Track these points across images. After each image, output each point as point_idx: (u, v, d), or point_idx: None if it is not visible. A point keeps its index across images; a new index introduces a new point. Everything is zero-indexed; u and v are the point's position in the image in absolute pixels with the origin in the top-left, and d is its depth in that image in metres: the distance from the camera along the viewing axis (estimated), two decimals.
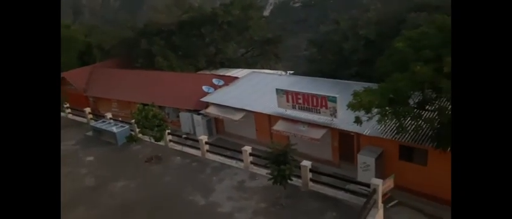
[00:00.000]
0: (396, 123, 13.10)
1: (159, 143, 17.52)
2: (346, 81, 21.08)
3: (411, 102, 12.99)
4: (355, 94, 12.66)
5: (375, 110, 12.57)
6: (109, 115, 21.86)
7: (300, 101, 17.59)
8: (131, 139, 17.77)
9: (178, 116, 23.75)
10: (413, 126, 13.39)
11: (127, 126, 19.56)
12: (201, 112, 21.96)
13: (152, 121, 16.14)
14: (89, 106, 24.60)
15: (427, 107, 13.10)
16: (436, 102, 13.01)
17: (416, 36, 13.23)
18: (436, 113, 12.55)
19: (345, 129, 16.24)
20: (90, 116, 22.44)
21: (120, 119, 21.78)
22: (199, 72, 30.99)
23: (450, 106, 12.11)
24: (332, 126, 16.72)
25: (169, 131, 18.31)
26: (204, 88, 23.16)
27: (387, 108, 12.53)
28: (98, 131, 19.89)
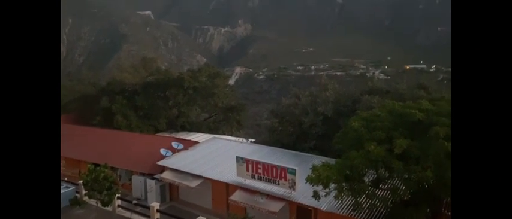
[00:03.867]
0: (352, 200, 13.32)
1: (106, 208, 16.16)
2: (305, 154, 21.56)
3: (366, 179, 13.44)
4: (314, 168, 12.90)
5: (332, 185, 12.79)
6: None
7: (260, 171, 17.50)
8: (75, 202, 16.29)
9: (130, 180, 22.40)
10: (368, 204, 13.67)
11: (72, 187, 18.03)
12: (155, 176, 20.96)
13: (102, 183, 15.09)
14: None
15: (380, 186, 13.58)
16: (389, 181, 13.57)
17: (370, 117, 14.23)
18: (389, 192, 13.02)
19: (303, 203, 16.15)
20: None
21: (65, 179, 20.09)
22: (159, 134, 30.29)
23: (402, 186, 12.67)
24: (290, 199, 16.58)
25: (119, 195, 17.09)
26: (162, 151, 22.45)
27: (344, 184, 12.82)
28: None
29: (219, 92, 33.69)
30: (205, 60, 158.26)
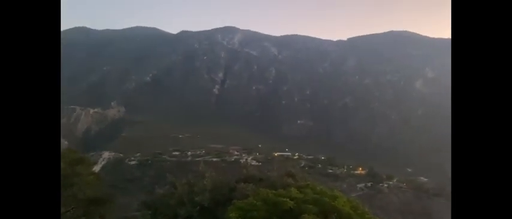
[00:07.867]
0: None
1: None
2: None
3: None
4: None
5: None
6: None
7: None
8: None
9: None
10: None
11: None
12: None
13: None
14: None
15: None
16: None
17: (246, 207, 14.44)
18: None
19: None
20: None
21: None
22: None
23: None
24: None
25: None
26: None
27: None
28: None
29: (81, 181, 29.22)
30: (66, 143, 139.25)
